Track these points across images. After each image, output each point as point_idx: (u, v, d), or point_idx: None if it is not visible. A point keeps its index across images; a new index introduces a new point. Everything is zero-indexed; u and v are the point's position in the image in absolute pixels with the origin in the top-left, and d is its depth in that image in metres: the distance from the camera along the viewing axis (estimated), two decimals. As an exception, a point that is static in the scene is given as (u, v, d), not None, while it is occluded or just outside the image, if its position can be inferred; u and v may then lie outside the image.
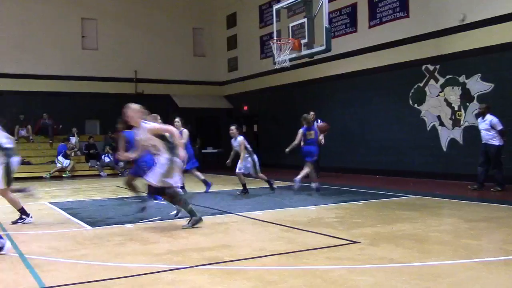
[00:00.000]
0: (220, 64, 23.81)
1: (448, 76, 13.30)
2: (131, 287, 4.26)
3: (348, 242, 5.81)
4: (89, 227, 7.24)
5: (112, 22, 21.55)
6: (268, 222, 7.34)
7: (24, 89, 19.64)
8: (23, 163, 18.02)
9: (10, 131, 19.38)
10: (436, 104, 13.64)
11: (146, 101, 21.18)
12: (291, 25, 13.38)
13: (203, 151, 21.43)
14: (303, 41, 12.57)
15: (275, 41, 13.40)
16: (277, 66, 13.30)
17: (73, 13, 20.92)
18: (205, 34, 23.92)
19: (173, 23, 22.74)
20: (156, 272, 4.70)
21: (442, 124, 13.48)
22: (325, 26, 11.83)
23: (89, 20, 21.34)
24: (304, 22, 12.56)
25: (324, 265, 4.84)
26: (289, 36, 13.16)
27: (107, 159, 18.92)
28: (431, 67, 13.75)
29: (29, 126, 19.64)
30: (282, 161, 19.37)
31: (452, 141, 13.19)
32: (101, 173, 18.59)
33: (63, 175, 18.03)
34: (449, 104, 13.29)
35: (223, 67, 23.70)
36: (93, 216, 8.34)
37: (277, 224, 7.14)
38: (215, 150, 21.83)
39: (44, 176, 17.85)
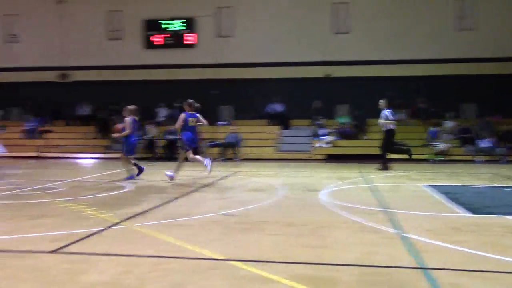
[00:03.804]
0: None
1: None
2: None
3: None
4: (467, 214, 6.94)
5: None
6: None
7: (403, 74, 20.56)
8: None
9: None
10: None
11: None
12: None
13: None
14: None
15: None
16: None
17: None
18: None
19: None
20: None
21: None
22: None
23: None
24: None
25: None
26: None
27: (482, 144, 17.90)
28: None
29: (404, 110, 20.34)
30: None
31: None
32: (475, 159, 17.73)
33: (435, 159, 17.89)
34: None
35: None
36: (471, 202, 7.97)
37: None
38: None
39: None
